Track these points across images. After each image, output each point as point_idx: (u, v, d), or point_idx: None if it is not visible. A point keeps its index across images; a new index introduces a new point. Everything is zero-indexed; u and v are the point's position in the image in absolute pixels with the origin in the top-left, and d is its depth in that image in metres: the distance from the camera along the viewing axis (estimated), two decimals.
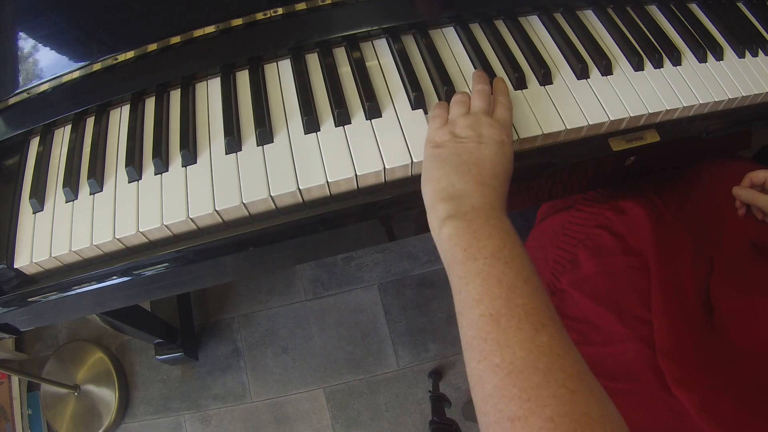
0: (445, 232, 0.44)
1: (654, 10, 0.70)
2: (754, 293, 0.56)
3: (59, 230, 0.57)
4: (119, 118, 0.64)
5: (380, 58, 0.64)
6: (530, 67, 0.63)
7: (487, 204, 0.45)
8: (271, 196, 0.54)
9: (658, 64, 0.63)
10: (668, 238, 0.62)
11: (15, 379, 1.31)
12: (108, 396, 1.31)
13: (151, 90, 0.64)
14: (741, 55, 0.66)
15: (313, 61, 0.64)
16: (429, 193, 0.48)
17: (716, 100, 0.61)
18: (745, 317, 0.55)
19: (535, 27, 0.67)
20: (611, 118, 0.58)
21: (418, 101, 0.59)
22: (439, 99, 0.60)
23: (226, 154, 0.58)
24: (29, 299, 0.59)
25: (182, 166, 0.58)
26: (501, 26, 0.67)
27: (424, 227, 0.69)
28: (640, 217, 0.64)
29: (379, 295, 1.41)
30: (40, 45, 0.62)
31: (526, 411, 0.35)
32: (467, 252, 0.42)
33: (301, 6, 0.63)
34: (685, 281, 0.59)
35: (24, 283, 0.59)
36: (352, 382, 1.33)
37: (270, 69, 0.64)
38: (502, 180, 0.48)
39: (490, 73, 0.61)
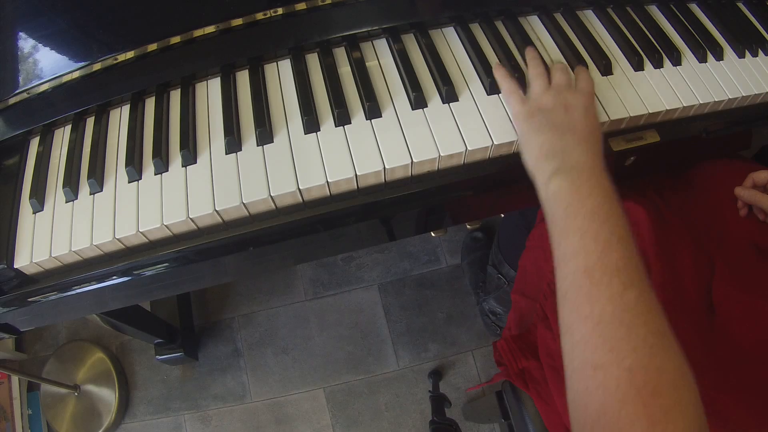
0: (551, 188, 0.47)
1: (654, 10, 0.70)
2: (756, 295, 0.56)
3: (59, 230, 0.57)
4: (119, 118, 0.64)
5: (380, 58, 0.64)
6: None
7: (588, 161, 0.48)
8: (271, 196, 0.54)
9: (658, 64, 0.63)
10: (669, 238, 0.62)
11: (15, 379, 1.31)
12: (108, 396, 1.31)
13: (151, 90, 0.64)
14: (741, 55, 0.65)
15: (313, 61, 0.64)
16: (533, 157, 0.51)
17: (716, 100, 0.61)
18: (748, 319, 0.55)
19: (535, 27, 0.67)
20: (611, 118, 0.58)
21: (418, 101, 0.59)
22: (441, 99, 0.60)
23: (226, 154, 0.58)
24: (29, 299, 0.59)
25: (182, 166, 0.58)
26: (501, 26, 0.67)
27: (424, 227, 0.70)
28: (641, 217, 0.64)
29: (379, 295, 1.41)
30: (40, 45, 0.62)
31: (608, 361, 0.38)
32: (568, 209, 0.45)
33: (301, 6, 0.63)
34: (686, 281, 0.59)
35: (24, 283, 0.59)
36: (352, 382, 1.32)
37: (270, 69, 0.64)
38: (596, 139, 0.51)
39: (490, 73, 0.61)
